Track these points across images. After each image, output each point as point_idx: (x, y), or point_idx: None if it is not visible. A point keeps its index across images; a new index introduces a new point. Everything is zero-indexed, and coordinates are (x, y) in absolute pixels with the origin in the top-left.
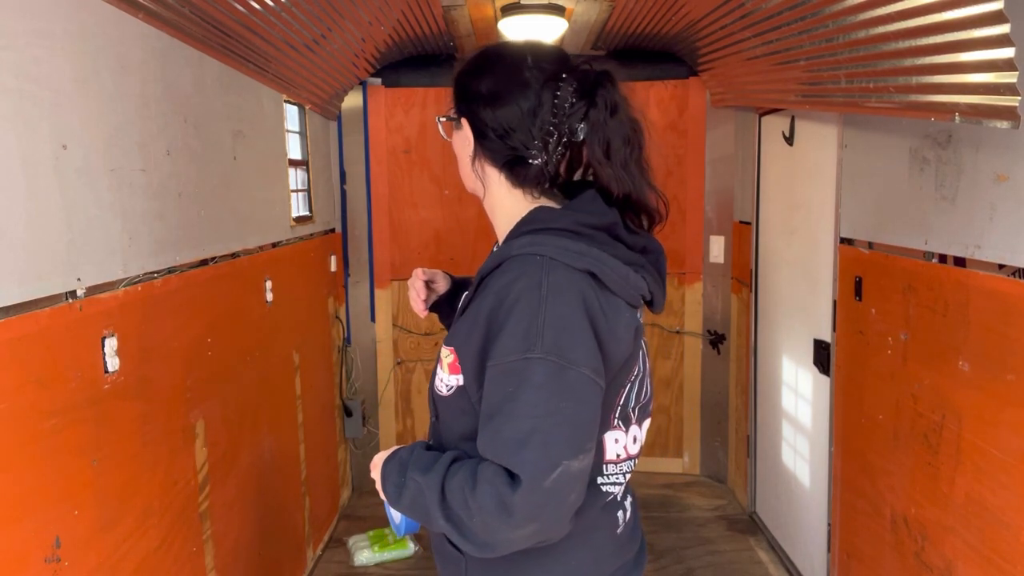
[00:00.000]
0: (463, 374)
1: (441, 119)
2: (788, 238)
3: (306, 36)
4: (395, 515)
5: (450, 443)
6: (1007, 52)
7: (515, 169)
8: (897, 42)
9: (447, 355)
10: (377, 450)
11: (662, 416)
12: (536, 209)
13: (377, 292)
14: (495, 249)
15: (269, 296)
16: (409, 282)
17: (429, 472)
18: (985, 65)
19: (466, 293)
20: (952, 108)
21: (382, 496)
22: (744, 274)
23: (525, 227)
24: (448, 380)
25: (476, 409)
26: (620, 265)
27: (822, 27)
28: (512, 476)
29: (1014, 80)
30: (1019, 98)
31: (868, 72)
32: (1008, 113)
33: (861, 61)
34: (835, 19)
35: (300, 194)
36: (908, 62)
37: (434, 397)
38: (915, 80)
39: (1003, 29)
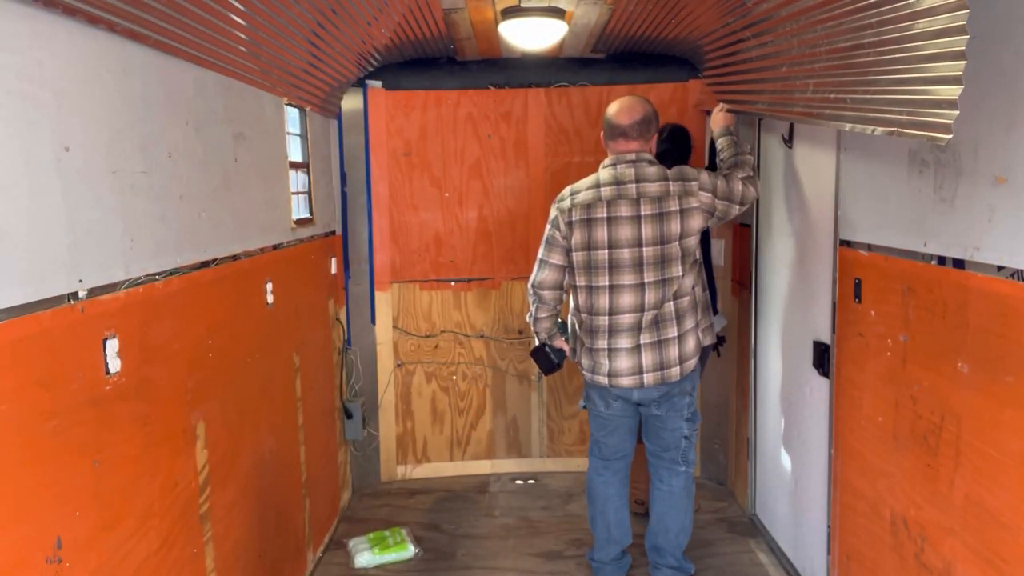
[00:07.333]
0: None
1: None
2: (787, 240)
3: (307, 31)
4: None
5: None
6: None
7: None
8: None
9: None
10: (377, 452)
11: None
12: None
13: (377, 294)
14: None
15: (270, 298)
16: None
17: None
18: (934, 80)
19: None
20: (895, 123)
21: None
22: (744, 276)
23: None
24: None
25: None
26: None
27: (810, 32)
28: None
29: (955, 97)
30: (956, 112)
31: (834, 83)
32: (943, 128)
33: (834, 71)
34: (823, 24)
35: (301, 196)
36: (872, 75)
37: None
38: (872, 94)
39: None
